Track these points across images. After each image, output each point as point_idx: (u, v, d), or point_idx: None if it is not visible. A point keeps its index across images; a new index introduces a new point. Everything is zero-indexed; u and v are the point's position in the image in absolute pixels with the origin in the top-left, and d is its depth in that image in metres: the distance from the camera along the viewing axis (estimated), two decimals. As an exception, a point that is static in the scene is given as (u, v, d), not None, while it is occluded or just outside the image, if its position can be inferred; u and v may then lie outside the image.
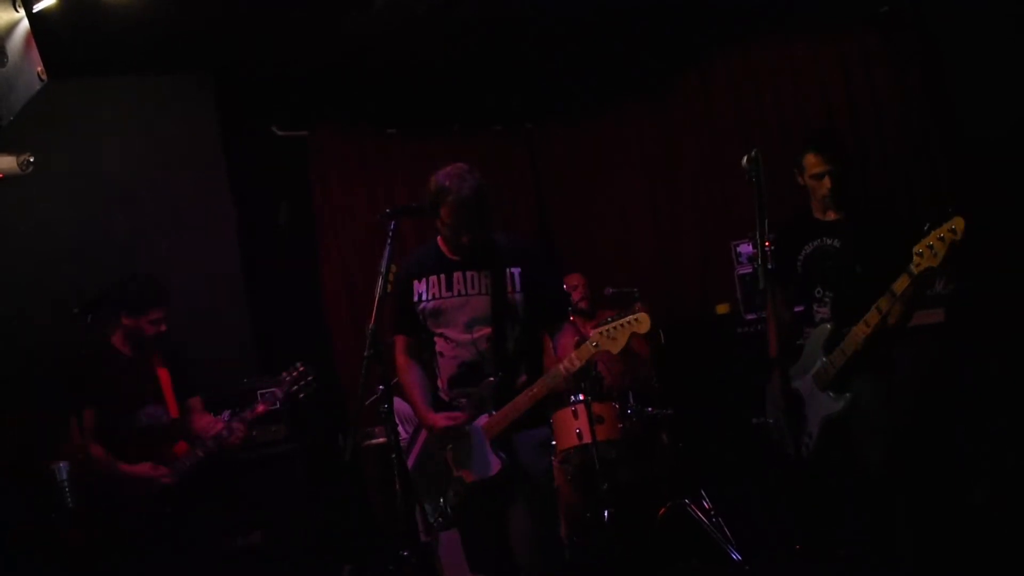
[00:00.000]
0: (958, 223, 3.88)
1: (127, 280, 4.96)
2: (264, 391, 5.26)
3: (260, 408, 5.11)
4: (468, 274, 4.12)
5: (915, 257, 3.99)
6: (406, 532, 5.35)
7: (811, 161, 4.50)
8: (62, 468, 4.55)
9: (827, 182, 4.45)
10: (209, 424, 5.07)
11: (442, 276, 4.15)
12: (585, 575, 5.22)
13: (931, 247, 3.94)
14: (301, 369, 5.27)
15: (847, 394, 4.40)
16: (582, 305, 6.63)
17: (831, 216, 4.55)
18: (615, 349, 3.97)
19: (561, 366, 4.02)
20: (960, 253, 3.92)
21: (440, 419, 4.09)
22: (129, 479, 4.78)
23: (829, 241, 4.53)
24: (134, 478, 4.78)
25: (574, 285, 6.65)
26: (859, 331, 4.26)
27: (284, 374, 5.25)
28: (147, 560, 4.74)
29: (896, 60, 6.22)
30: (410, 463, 4.38)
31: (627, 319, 3.92)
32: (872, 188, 6.18)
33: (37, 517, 4.80)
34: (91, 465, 4.77)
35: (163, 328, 5.00)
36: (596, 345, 3.96)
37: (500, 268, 4.11)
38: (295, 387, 5.23)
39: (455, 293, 4.12)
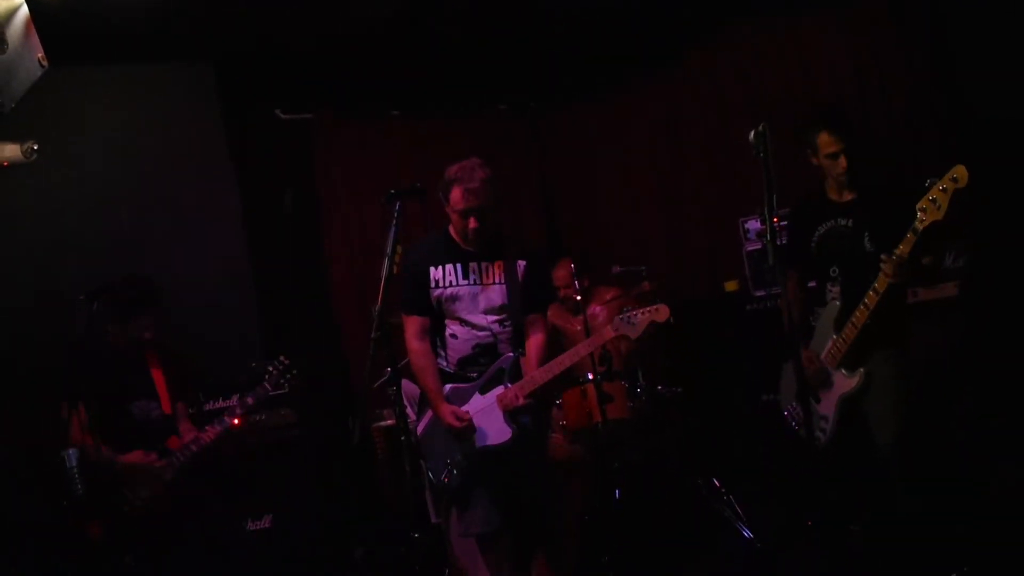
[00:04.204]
0: (959, 171, 3.85)
1: (117, 283, 4.93)
2: (249, 391, 5.23)
3: (250, 402, 5.15)
4: (483, 264, 4.40)
5: (919, 213, 3.96)
6: (417, 514, 5.40)
7: (825, 140, 4.45)
8: (71, 455, 4.54)
9: (843, 160, 4.41)
10: (186, 430, 5.10)
11: (458, 265, 4.40)
12: (596, 554, 5.21)
13: (934, 200, 3.91)
14: (285, 363, 5.31)
15: (861, 370, 4.39)
16: (569, 294, 6.24)
17: (846, 196, 4.51)
18: (633, 335, 4.36)
19: (582, 346, 4.42)
20: (965, 206, 3.89)
21: (448, 415, 4.29)
22: (124, 467, 4.80)
23: (843, 222, 4.49)
24: (129, 465, 4.80)
25: (561, 276, 6.45)
26: (869, 299, 4.23)
27: (271, 368, 5.26)
28: (158, 547, 4.75)
29: (903, 36, 6.17)
30: (420, 428, 4.56)
31: (648, 308, 4.30)
32: (879, 166, 6.12)
33: (49, 506, 4.80)
34: (89, 456, 4.78)
35: (148, 335, 5.00)
36: (615, 329, 4.34)
37: (511, 259, 4.41)
38: (281, 381, 5.28)
39: (471, 281, 4.39)
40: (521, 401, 4.23)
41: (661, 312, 4.28)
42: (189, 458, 4.92)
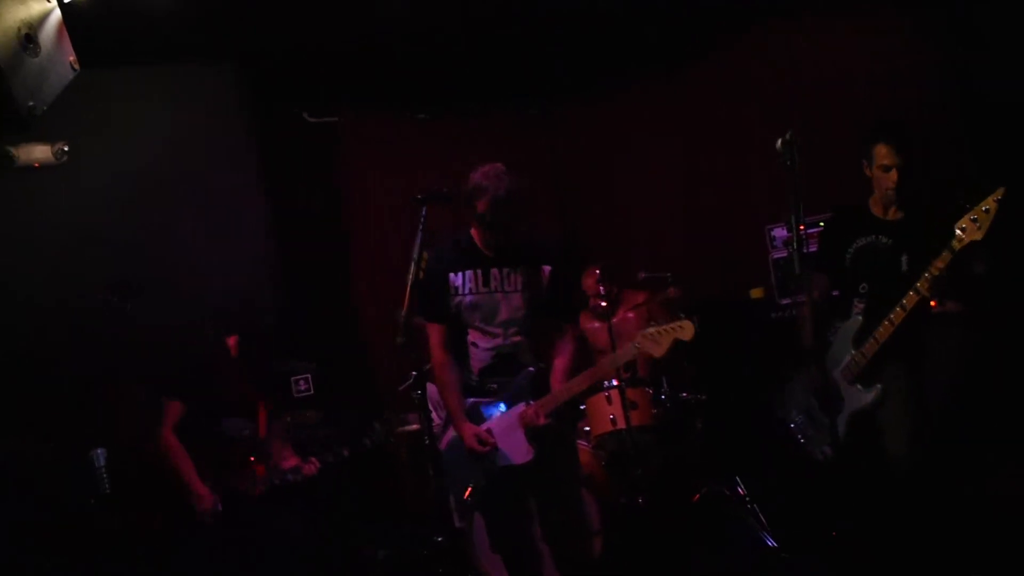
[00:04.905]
0: (1003, 195, 3.83)
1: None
2: (353, 447, 5.24)
3: (346, 454, 5.16)
4: (504, 271, 4.25)
5: (957, 232, 3.93)
6: (440, 518, 5.39)
7: (882, 152, 4.42)
8: (100, 455, 4.59)
9: (894, 175, 4.38)
10: (288, 454, 5.10)
11: (478, 271, 4.25)
12: (618, 562, 5.20)
13: (975, 220, 3.89)
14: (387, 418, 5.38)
15: (877, 385, 4.36)
16: (597, 304, 6.39)
17: (891, 215, 4.49)
18: (658, 353, 4.17)
19: (603, 365, 4.34)
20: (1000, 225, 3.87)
21: (470, 438, 4.19)
22: (183, 484, 4.75)
23: (884, 239, 4.46)
24: (187, 486, 4.75)
25: (589, 285, 6.47)
26: (896, 316, 4.20)
27: (378, 423, 5.31)
28: (181, 545, 4.76)
29: (936, 36, 6.13)
30: (443, 444, 4.45)
31: (672, 325, 4.12)
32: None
33: (76, 504, 4.83)
34: (160, 451, 4.80)
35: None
36: (638, 347, 4.18)
37: (534, 265, 4.26)
38: (382, 440, 5.29)
39: (492, 289, 4.24)
40: (542, 421, 4.11)
41: (686, 330, 4.11)
42: (284, 485, 4.92)
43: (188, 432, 4.85)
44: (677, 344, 4.17)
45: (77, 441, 4.94)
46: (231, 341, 5.10)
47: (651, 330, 4.14)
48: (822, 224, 4.98)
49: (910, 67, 6.22)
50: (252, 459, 4.94)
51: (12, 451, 5.27)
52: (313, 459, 5.01)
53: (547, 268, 4.29)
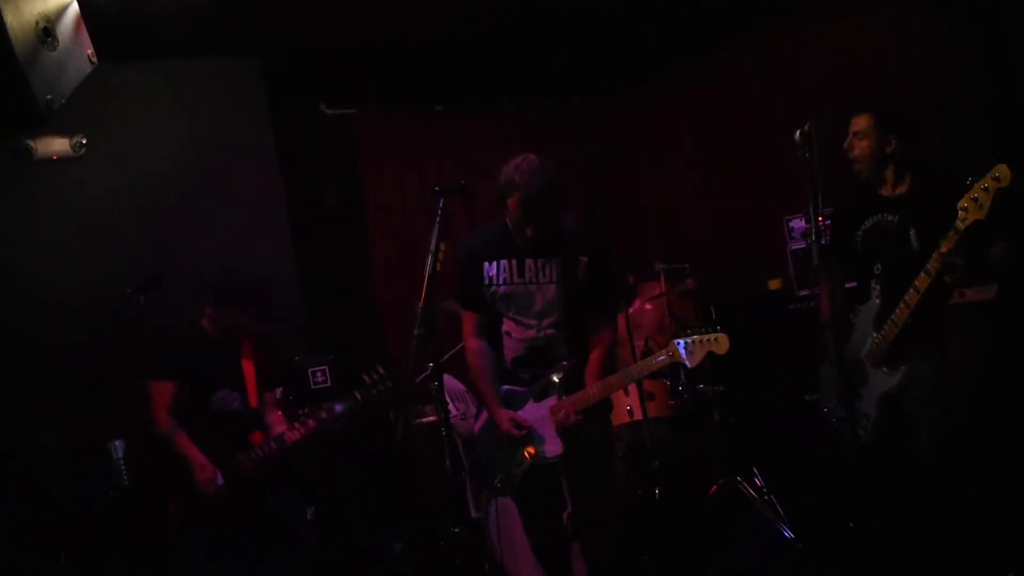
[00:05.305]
0: (1001, 170, 3.78)
1: (219, 272, 4.95)
2: (344, 400, 5.12)
3: (337, 409, 4.94)
4: (539, 261, 4.17)
5: (960, 212, 3.90)
6: (457, 509, 5.39)
7: (857, 122, 4.42)
8: (118, 446, 4.61)
9: (862, 143, 4.38)
10: (276, 421, 5.03)
11: (513, 261, 4.18)
12: (636, 553, 5.20)
13: (975, 199, 3.85)
14: (381, 372, 5.06)
15: (902, 367, 4.33)
16: None
17: (896, 191, 4.45)
18: (692, 363, 4.10)
19: (634, 369, 4.15)
20: (1009, 205, 3.83)
21: (506, 423, 4.14)
22: (181, 456, 4.70)
23: (890, 217, 4.43)
24: (185, 458, 4.69)
25: None
26: (910, 297, 4.17)
27: (366, 377, 5.13)
28: (199, 537, 4.78)
29: (953, 29, 6.08)
30: (477, 426, 4.46)
31: (708, 337, 4.06)
32: (929, 160, 6.05)
33: (96, 496, 4.85)
34: (153, 431, 4.77)
35: (242, 321, 4.96)
36: (672, 355, 4.10)
37: (571, 255, 4.15)
38: (374, 391, 5.13)
39: (527, 280, 4.18)
40: (573, 419, 4.04)
41: (721, 343, 4.05)
42: (270, 455, 4.81)
43: (185, 413, 4.80)
44: (710, 355, 4.10)
45: (95, 435, 4.95)
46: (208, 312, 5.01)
47: (687, 339, 4.06)
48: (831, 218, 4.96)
49: (933, 59, 6.17)
50: (246, 431, 4.87)
51: (32, 446, 5.34)
52: (297, 425, 4.87)
53: (584, 259, 4.16)
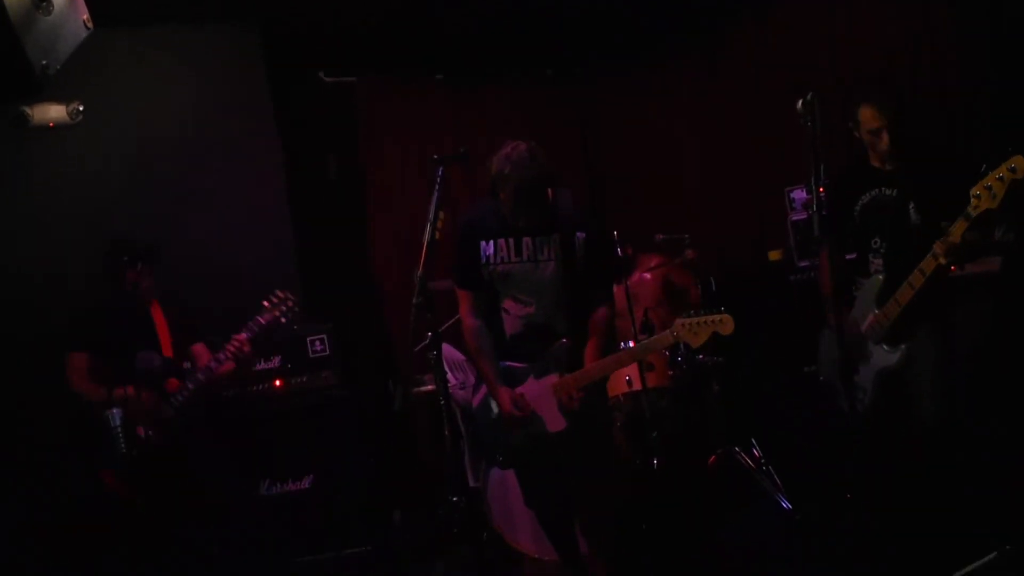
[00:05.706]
0: (1019, 162, 3.77)
1: (116, 241, 5.19)
2: (250, 322, 5.16)
3: (242, 336, 5.05)
4: (537, 240, 4.13)
5: (972, 199, 3.88)
6: (455, 478, 5.41)
7: (867, 115, 4.34)
8: (115, 415, 4.61)
9: (885, 137, 4.31)
10: (199, 353, 5.22)
11: (510, 240, 4.15)
12: (634, 523, 5.21)
13: (989, 188, 3.83)
14: (280, 295, 5.20)
15: (902, 346, 4.33)
16: None
17: (890, 165, 4.42)
18: (695, 343, 4.07)
19: (637, 349, 4.33)
20: (1021, 194, 3.81)
21: (507, 402, 4.13)
22: (121, 401, 4.80)
23: (887, 191, 4.40)
24: (121, 399, 4.80)
25: None
26: (915, 279, 4.16)
27: (266, 302, 5.19)
28: (200, 506, 4.81)
29: (958, 9, 6.02)
30: (476, 400, 4.44)
31: (712, 318, 4.01)
32: (931, 137, 6.01)
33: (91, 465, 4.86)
34: (84, 400, 4.97)
35: (146, 285, 5.18)
36: (675, 335, 4.06)
37: (568, 233, 4.12)
38: (278, 312, 5.17)
39: (524, 258, 4.15)
40: (575, 397, 4.04)
41: (726, 324, 4.01)
42: (195, 389, 4.95)
43: (111, 378, 4.90)
44: (714, 336, 4.07)
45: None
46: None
47: (690, 320, 4.02)
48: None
49: (949, 39, 6.11)
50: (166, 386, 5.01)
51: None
52: (221, 355, 4.98)
53: (581, 235, 4.13)
